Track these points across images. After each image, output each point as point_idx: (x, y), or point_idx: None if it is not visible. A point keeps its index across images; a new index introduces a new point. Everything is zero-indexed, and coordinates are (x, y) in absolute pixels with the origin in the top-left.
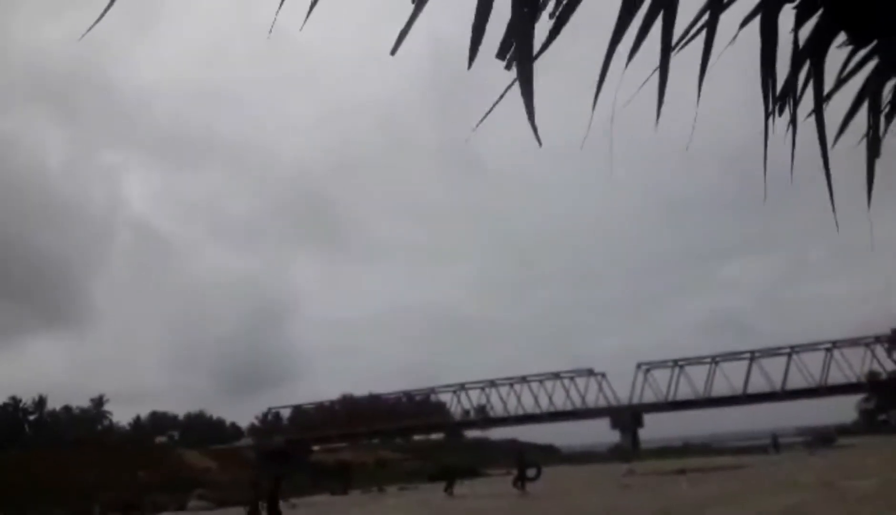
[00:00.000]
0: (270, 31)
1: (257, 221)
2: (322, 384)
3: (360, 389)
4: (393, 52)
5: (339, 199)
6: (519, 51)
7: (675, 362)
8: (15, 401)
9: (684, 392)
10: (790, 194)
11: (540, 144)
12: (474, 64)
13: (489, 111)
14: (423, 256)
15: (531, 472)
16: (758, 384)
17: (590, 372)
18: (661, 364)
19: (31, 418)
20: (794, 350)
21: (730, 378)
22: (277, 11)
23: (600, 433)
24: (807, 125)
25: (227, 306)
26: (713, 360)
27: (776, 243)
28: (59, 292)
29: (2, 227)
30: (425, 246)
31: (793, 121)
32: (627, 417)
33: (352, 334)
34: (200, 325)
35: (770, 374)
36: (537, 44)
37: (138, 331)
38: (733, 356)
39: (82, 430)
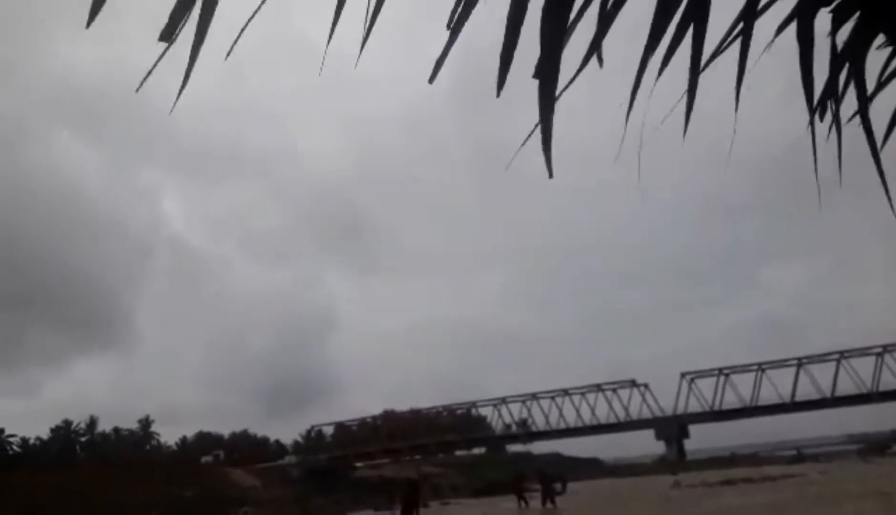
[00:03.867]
0: (321, 69)
1: (289, 234)
2: (363, 400)
3: (401, 403)
4: (431, 80)
5: (369, 209)
6: (541, 89)
7: (720, 370)
8: (67, 424)
9: (730, 401)
10: (832, 197)
11: (551, 176)
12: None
13: (520, 147)
14: (458, 265)
15: (557, 487)
16: (806, 392)
17: (632, 383)
18: (706, 374)
19: (83, 439)
20: (843, 356)
21: (777, 386)
22: (328, 41)
23: (645, 445)
24: (847, 128)
25: (264, 323)
26: (759, 367)
27: (820, 247)
28: (102, 315)
29: (44, 251)
30: (459, 256)
31: (836, 123)
32: (672, 428)
33: (390, 347)
34: (240, 343)
35: (818, 381)
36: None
37: (180, 351)
38: (780, 363)
39: (131, 450)
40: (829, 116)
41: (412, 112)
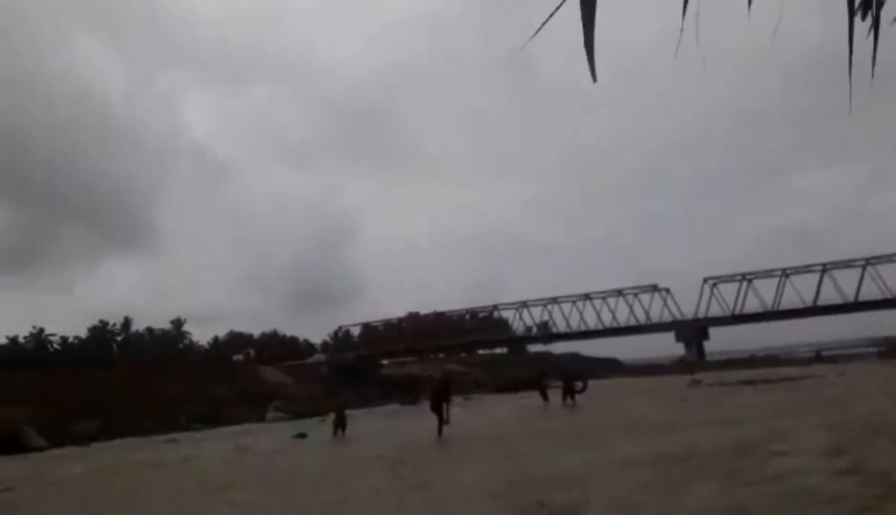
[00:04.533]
0: None
1: (313, 140)
2: (388, 303)
3: (425, 307)
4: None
5: (395, 116)
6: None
7: (744, 276)
8: (103, 324)
9: (752, 306)
10: (869, 102)
11: (595, 80)
12: None
13: (543, 23)
14: (484, 173)
15: (578, 385)
16: (829, 296)
17: (654, 288)
18: (729, 279)
19: (119, 339)
20: (868, 262)
21: (800, 292)
22: None
23: (665, 347)
24: (887, 33)
25: (291, 227)
26: (783, 273)
27: (852, 154)
28: (132, 218)
29: (75, 155)
30: (486, 163)
31: (875, 23)
32: (692, 330)
33: (415, 252)
34: (267, 247)
35: (842, 287)
36: None
37: (209, 255)
38: (804, 268)
39: (164, 349)
40: (869, 19)
41: (438, 15)
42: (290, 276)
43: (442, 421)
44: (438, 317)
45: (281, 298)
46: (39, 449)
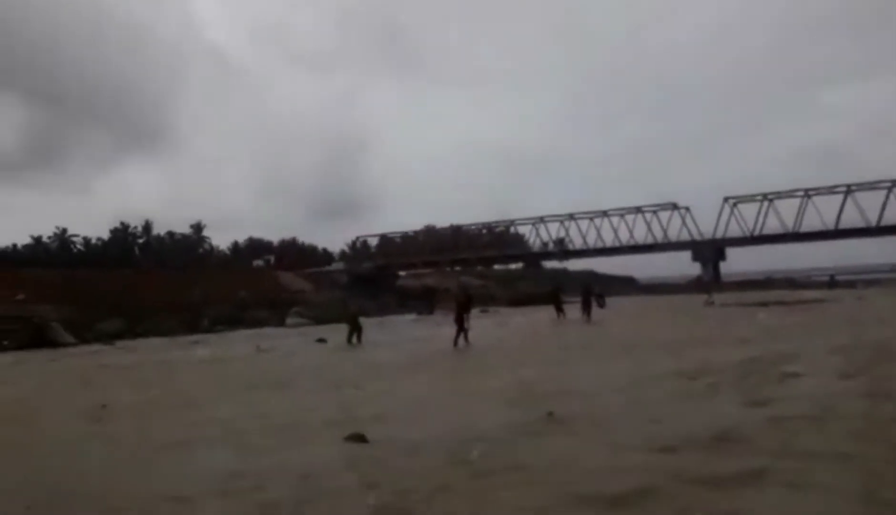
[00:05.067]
0: None
1: (333, 46)
2: (405, 215)
3: (442, 220)
4: None
5: (415, 21)
6: None
7: (765, 196)
8: (124, 226)
9: (772, 227)
10: None
11: None
12: None
13: None
14: (505, 83)
15: (596, 301)
16: (852, 220)
17: (673, 206)
18: (749, 198)
19: (140, 241)
20: (895, 184)
21: (822, 213)
22: None
23: (681, 266)
24: None
25: (311, 134)
26: (805, 193)
27: (888, 68)
28: (150, 120)
29: (95, 56)
30: (508, 73)
31: None
32: (710, 250)
33: (433, 164)
34: (286, 153)
35: (866, 210)
36: None
37: (228, 159)
38: (827, 189)
39: (184, 253)
40: None
41: None
42: (309, 184)
43: (462, 332)
44: (455, 231)
45: (300, 206)
46: (66, 345)
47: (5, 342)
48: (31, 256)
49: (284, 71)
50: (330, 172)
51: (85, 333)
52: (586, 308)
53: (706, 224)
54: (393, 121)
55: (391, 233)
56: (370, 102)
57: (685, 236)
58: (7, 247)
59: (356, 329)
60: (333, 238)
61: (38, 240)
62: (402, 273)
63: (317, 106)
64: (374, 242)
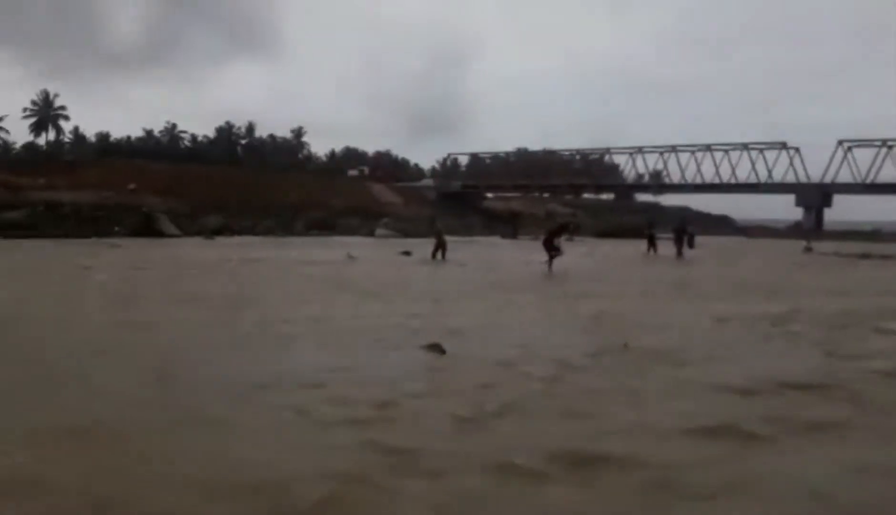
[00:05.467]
0: None
1: None
2: (498, 135)
3: (536, 144)
4: None
5: None
6: None
7: (884, 141)
8: (229, 125)
9: (888, 176)
10: None
11: None
12: None
13: None
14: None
15: (690, 239)
16: None
17: (783, 146)
18: (866, 143)
19: (243, 142)
20: None
21: None
22: None
23: (781, 210)
24: None
25: (413, 46)
26: None
27: None
28: (256, 21)
29: None
30: None
31: None
32: (816, 195)
33: (531, 84)
34: (386, 64)
35: None
36: None
37: (330, 65)
38: None
39: (285, 156)
40: None
41: None
42: (408, 97)
43: (552, 258)
44: (548, 155)
45: (397, 118)
46: (171, 236)
47: (117, 228)
48: (142, 148)
49: None
50: (429, 85)
51: (188, 226)
52: (678, 245)
53: (815, 168)
54: (498, 36)
55: (482, 153)
56: (477, 12)
57: (791, 178)
58: (122, 138)
59: (441, 246)
60: (427, 154)
61: (149, 133)
62: (489, 195)
63: (422, 15)
64: (464, 160)
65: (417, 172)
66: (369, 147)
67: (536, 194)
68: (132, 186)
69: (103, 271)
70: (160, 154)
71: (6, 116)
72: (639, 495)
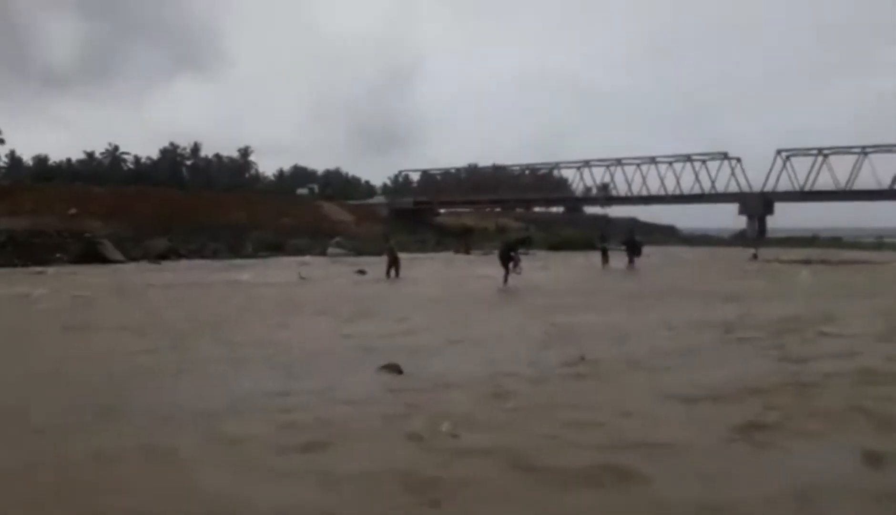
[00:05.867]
0: None
1: None
2: (448, 151)
3: (485, 159)
4: None
5: None
6: None
7: (820, 150)
8: (173, 146)
9: (824, 183)
10: None
11: None
12: None
13: None
14: (559, 15)
15: (637, 250)
16: None
17: (724, 156)
18: (803, 152)
19: (188, 163)
20: None
21: (878, 172)
22: None
23: (725, 219)
24: None
25: (360, 63)
26: (862, 150)
27: None
28: (198, 39)
29: None
30: (562, 3)
31: None
32: (758, 203)
33: (479, 99)
34: (333, 81)
35: None
36: None
37: (276, 84)
38: (886, 147)
39: (232, 176)
40: None
41: None
42: (356, 115)
43: (507, 272)
44: (497, 171)
45: (345, 136)
46: (115, 262)
47: (58, 255)
48: (83, 171)
49: None
50: (378, 103)
51: (132, 250)
52: (629, 255)
53: (756, 177)
54: (443, 52)
55: (433, 170)
56: (422, 30)
57: (733, 188)
58: (61, 161)
59: (394, 263)
60: (377, 171)
61: (90, 156)
62: (441, 211)
63: (369, 33)
64: (415, 177)
65: (369, 190)
66: (319, 165)
67: (488, 209)
68: (73, 210)
69: (44, 301)
70: (102, 177)
71: None
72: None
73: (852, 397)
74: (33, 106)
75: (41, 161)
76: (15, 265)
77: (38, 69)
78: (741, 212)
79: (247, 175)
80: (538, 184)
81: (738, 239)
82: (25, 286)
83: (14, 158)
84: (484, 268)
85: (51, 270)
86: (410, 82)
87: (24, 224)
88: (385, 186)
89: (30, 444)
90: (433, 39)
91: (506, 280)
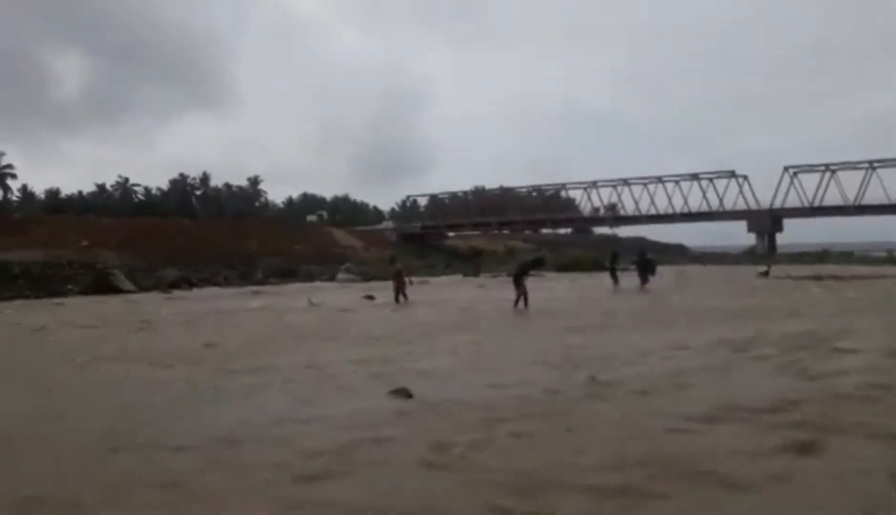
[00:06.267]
0: None
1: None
2: (455, 175)
3: (492, 182)
4: None
5: None
6: None
7: (827, 166)
8: (183, 177)
9: (833, 199)
10: None
11: None
12: None
13: None
14: (563, 40)
15: (650, 270)
16: None
17: (731, 174)
18: (810, 168)
19: (198, 193)
20: None
21: (887, 187)
22: None
23: (734, 236)
24: None
25: (366, 92)
26: (870, 165)
27: None
28: (206, 74)
29: (153, 5)
30: (565, 29)
31: None
32: (766, 220)
33: (485, 124)
34: (340, 111)
35: None
36: None
37: (284, 114)
38: (894, 161)
39: (242, 205)
40: None
41: None
42: (363, 142)
43: (521, 294)
44: (505, 193)
45: (353, 163)
46: (127, 292)
47: (70, 286)
48: (94, 203)
49: (343, 27)
50: (383, 130)
51: (145, 280)
52: (642, 275)
53: (763, 194)
54: (447, 80)
55: (441, 193)
56: (427, 60)
57: (741, 206)
58: (73, 194)
59: (402, 287)
60: (385, 197)
61: (101, 188)
62: (450, 234)
63: (373, 63)
64: (423, 201)
65: (377, 215)
66: (327, 192)
67: (496, 232)
68: (85, 242)
69: (56, 332)
70: (113, 209)
71: None
72: None
73: (875, 413)
74: (46, 143)
75: (53, 194)
76: (28, 297)
77: (50, 108)
78: (750, 229)
79: (257, 203)
80: (545, 205)
81: (749, 256)
82: (44, 317)
83: (26, 192)
84: (494, 291)
85: (67, 300)
86: (417, 109)
87: (37, 256)
88: (393, 210)
89: (43, 476)
90: (437, 67)
91: (517, 303)
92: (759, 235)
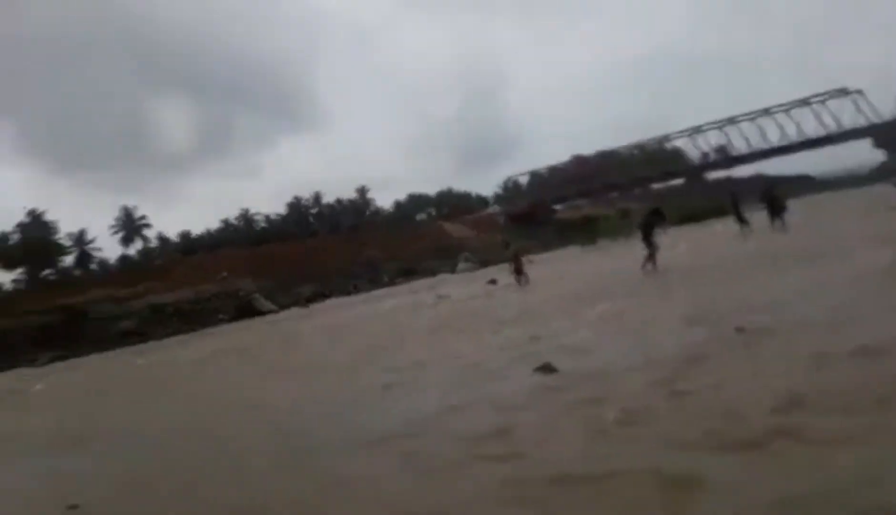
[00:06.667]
0: None
1: None
2: (552, 149)
3: (589, 148)
4: None
5: None
6: None
7: None
8: (297, 199)
9: None
10: None
11: None
12: None
13: None
14: None
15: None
16: None
17: (843, 92)
18: None
19: (313, 211)
20: None
21: None
22: None
23: (861, 157)
24: None
25: (445, 85)
26: None
27: None
28: (297, 98)
29: (233, 44)
30: None
31: None
32: (893, 132)
33: (573, 93)
34: (427, 107)
35: None
36: None
37: (374, 121)
38: None
39: (354, 216)
40: None
41: None
42: (454, 132)
43: (652, 253)
44: (605, 156)
45: (449, 155)
46: (269, 312)
47: (220, 316)
48: (222, 237)
49: (411, 23)
50: (471, 116)
51: (282, 299)
52: (773, 215)
53: (885, 105)
54: (525, 59)
55: (540, 169)
56: (501, 42)
57: (862, 122)
58: (203, 233)
59: (520, 268)
60: (486, 183)
61: (226, 222)
62: (557, 207)
63: (447, 52)
64: (524, 180)
65: (481, 202)
66: (430, 189)
67: (604, 197)
68: (224, 274)
69: (213, 363)
70: (240, 239)
71: (95, 238)
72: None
73: None
74: (169, 188)
75: (185, 236)
76: (182, 332)
77: (165, 156)
78: (877, 145)
79: (367, 212)
80: (650, 160)
81: (880, 174)
82: (210, 344)
83: (162, 239)
84: (617, 258)
85: (218, 328)
86: (500, 89)
87: (185, 295)
88: (496, 195)
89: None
90: (511, 44)
91: (648, 263)
92: (889, 149)
